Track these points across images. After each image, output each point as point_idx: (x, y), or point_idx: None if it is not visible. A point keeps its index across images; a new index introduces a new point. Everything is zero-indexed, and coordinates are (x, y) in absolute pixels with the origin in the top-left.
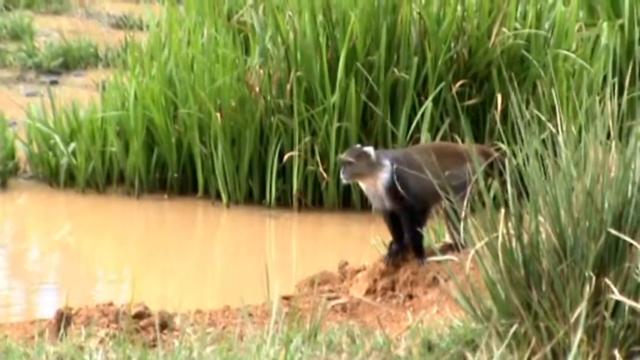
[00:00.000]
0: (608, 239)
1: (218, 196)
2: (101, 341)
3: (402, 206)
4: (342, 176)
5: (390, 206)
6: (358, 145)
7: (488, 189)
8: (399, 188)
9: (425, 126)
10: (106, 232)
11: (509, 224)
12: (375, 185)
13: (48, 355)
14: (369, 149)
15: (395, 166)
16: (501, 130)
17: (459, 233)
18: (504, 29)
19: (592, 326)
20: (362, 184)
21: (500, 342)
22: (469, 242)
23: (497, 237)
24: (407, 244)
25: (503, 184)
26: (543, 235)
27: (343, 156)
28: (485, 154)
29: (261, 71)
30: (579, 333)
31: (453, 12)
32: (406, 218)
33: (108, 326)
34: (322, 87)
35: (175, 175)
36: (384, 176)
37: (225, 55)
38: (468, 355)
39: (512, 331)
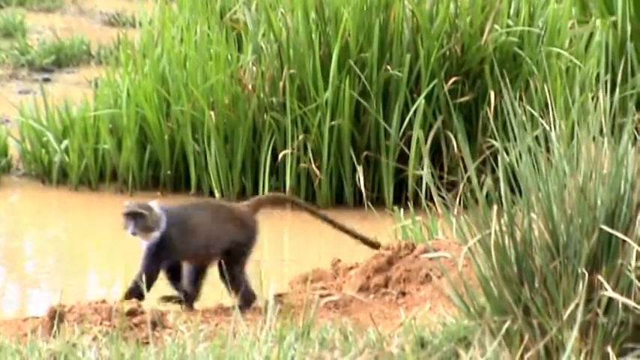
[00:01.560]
0: (600, 236)
1: (211, 194)
2: (94, 338)
3: (147, 255)
4: (130, 229)
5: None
6: (141, 201)
7: (481, 186)
8: (163, 243)
9: (417, 123)
10: (98, 230)
11: (502, 221)
12: (147, 241)
13: (41, 353)
14: (154, 204)
15: (169, 223)
16: (494, 127)
17: (236, 289)
18: (497, 26)
19: (585, 323)
20: (142, 239)
21: (493, 339)
22: None
23: (489, 234)
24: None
25: (495, 181)
26: (536, 232)
27: (133, 208)
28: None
29: (254, 69)
30: (573, 330)
31: (446, 9)
32: (144, 264)
33: (101, 323)
34: (315, 84)
35: (168, 172)
36: (157, 232)
37: (218, 53)
38: (461, 352)
39: (505, 328)
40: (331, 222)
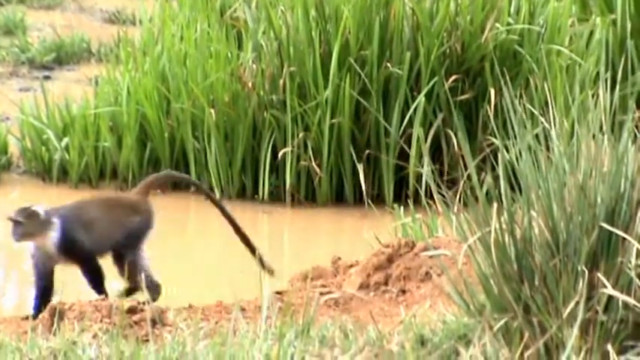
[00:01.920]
0: (600, 234)
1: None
2: (94, 336)
3: (75, 260)
4: (12, 237)
5: (63, 262)
6: (28, 204)
7: (481, 184)
8: (70, 244)
9: (417, 121)
10: None
11: (502, 219)
12: (46, 245)
13: (41, 350)
14: (39, 208)
15: (64, 224)
16: (494, 125)
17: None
18: (497, 24)
19: (585, 321)
20: (33, 244)
21: (493, 337)
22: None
23: (489, 232)
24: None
25: (496, 178)
26: (536, 230)
27: (13, 216)
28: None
29: (254, 66)
30: (573, 328)
31: (446, 7)
32: (84, 268)
33: (101, 321)
34: (315, 82)
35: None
36: (53, 235)
37: (219, 51)
38: (461, 349)
39: (502, 325)
40: (223, 210)
